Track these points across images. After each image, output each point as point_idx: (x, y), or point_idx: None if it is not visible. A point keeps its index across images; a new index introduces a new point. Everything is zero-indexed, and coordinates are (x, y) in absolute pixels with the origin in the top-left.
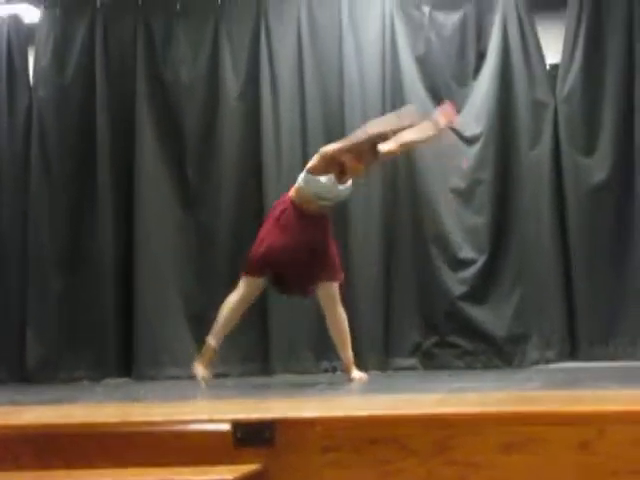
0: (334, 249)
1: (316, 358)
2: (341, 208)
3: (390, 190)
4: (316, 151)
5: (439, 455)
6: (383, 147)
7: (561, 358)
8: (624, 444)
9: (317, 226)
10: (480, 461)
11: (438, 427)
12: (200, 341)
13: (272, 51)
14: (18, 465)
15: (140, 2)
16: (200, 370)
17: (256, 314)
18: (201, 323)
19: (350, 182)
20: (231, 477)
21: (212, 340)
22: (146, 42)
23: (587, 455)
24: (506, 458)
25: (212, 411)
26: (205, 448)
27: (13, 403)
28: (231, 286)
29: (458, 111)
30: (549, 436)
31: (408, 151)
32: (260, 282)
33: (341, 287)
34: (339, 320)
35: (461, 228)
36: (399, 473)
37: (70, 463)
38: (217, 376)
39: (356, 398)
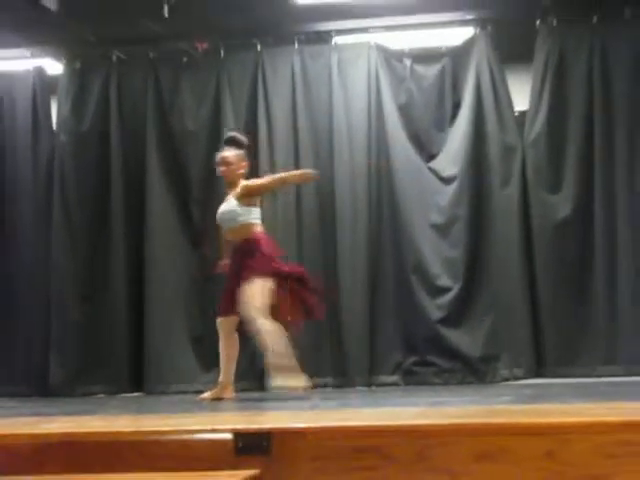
0: (249, 285)
1: (308, 375)
2: (331, 244)
3: (375, 225)
4: (308, 191)
5: (419, 463)
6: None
7: (529, 375)
8: (586, 453)
9: (234, 257)
10: (456, 469)
11: (418, 437)
12: (201, 360)
13: (268, 101)
14: (42, 470)
15: (151, 56)
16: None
17: (251, 337)
18: (202, 344)
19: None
20: None
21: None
22: (155, 92)
23: (552, 463)
24: (480, 466)
25: (215, 422)
26: (208, 456)
27: (38, 415)
28: None
29: (437, 154)
30: (518, 446)
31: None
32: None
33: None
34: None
35: (439, 259)
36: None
37: (89, 469)
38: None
39: (344, 411)
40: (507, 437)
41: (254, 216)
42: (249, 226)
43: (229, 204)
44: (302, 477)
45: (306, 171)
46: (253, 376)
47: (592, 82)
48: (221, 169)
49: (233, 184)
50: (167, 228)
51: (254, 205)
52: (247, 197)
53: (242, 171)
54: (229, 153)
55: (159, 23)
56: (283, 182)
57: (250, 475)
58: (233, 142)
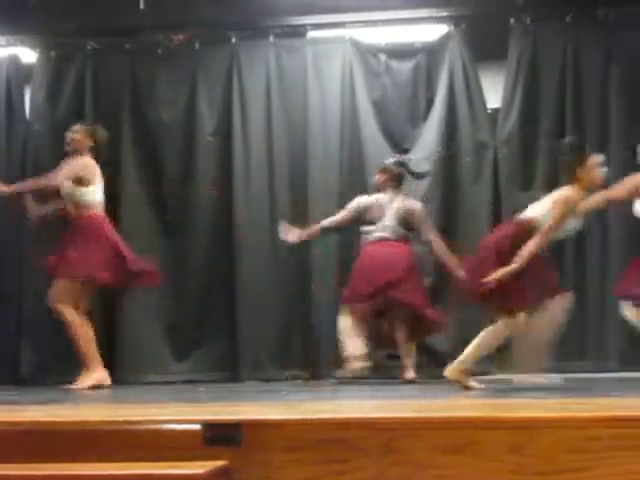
0: None
1: (281, 368)
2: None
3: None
4: (282, 181)
5: (388, 455)
6: None
7: (493, 370)
8: (552, 447)
9: None
10: (424, 461)
11: (386, 430)
12: (174, 349)
13: (243, 94)
14: (12, 458)
15: (127, 47)
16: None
17: (226, 328)
18: (175, 335)
19: None
20: (201, 471)
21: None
22: (131, 84)
23: (519, 457)
24: (447, 459)
25: (185, 413)
26: (178, 446)
27: (7, 403)
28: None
29: (410, 150)
30: (485, 439)
31: None
32: None
33: None
34: None
35: None
36: (353, 471)
37: (58, 458)
38: (189, 382)
39: (314, 404)
40: (474, 431)
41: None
42: None
43: None
44: (272, 469)
45: None
46: (228, 368)
47: (564, 81)
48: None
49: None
50: (141, 217)
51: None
52: None
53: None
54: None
55: (135, 14)
56: None
57: (219, 466)
58: None
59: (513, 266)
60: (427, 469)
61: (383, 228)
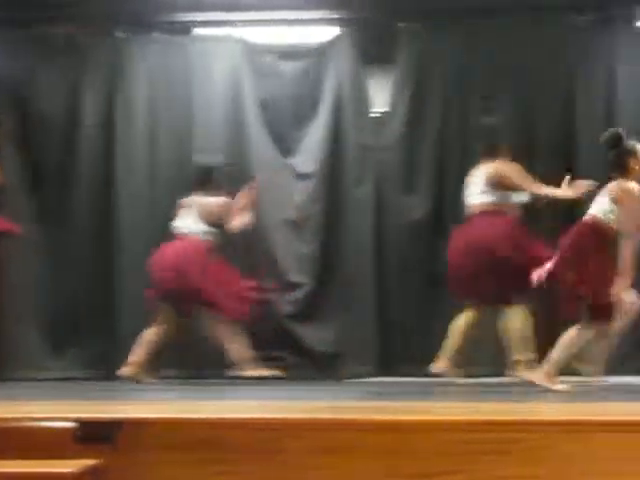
0: None
1: (157, 367)
2: None
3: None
4: (165, 179)
5: (266, 456)
6: None
7: (376, 373)
8: (428, 450)
9: None
10: (304, 463)
11: (264, 431)
12: (52, 347)
13: (127, 90)
14: None
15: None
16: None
17: (103, 326)
18: (52, 331)
19: None
20: (72, 470)
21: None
22: (11, 76)
23: (396, 459)
24: (327, 460)
25: (58, 411)
26: (50, 444)
27: None
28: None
29: (295, 151)
30: (364, 441)
31: None
32: None
33: None
34: None
35: (292, 255)
36: (232, 472)
37: None
38: (65, 380)
39: (191, 404)
40: (353, 433)
41: None
42: None
43: None
44: (147, 468)
45: None
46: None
47: (448, 85)
48: None
49: None
50: (19, 209)
51: None
52: None
53: None
54: None
55: (19, 6)
56: None
57: (91, 465)
58: None
59: (625, 278)
60: (307, 470)
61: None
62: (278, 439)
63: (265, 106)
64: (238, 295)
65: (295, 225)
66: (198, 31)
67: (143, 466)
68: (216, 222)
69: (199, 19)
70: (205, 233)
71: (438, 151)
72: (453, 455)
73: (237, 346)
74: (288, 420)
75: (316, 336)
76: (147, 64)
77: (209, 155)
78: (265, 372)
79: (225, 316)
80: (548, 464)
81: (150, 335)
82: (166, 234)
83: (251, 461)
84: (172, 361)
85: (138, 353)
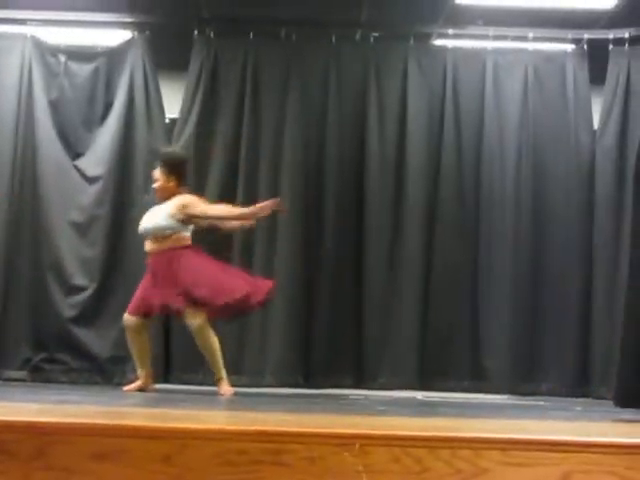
0: None
1: None
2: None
3: (14, 220)
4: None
5: (37, 460)
6: None
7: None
8: (203, 459)
9: None
10: (73, 468)
11: (38, 434)
12: None
13: None
14: None
15: None
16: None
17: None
18: None
19: None
20: None
21: None
22: None
23: (170, 467)
24: (98, 466)
25: None
26: None
27: None
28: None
29: (84, 153)
30: (137, 448)
31: None
32: None
33: None
34: None
35: (76, 258)
36: None
37: None
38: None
39: None
40: (126, 439)
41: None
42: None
43: None
44: None
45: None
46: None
47: (243, 95)
48: None
49: None
50: None
51: None
52: None
53: None
54: None
55: None
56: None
57: None
58: None
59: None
60: (76, 475)
61: None
62: (48, 444)
63: (55, 106)
64: None
65: (80, 227)
66: None
67: None
68: None
69: None
70: None
71: (230, 156)
72: (228, 465)
73: None
74: (60, 424)
75: (98, 340)
76: None
77: None
78: None
79: None
80: (327, 476)
81: None
82: None
83: (18, 465)
84: None
85: None
